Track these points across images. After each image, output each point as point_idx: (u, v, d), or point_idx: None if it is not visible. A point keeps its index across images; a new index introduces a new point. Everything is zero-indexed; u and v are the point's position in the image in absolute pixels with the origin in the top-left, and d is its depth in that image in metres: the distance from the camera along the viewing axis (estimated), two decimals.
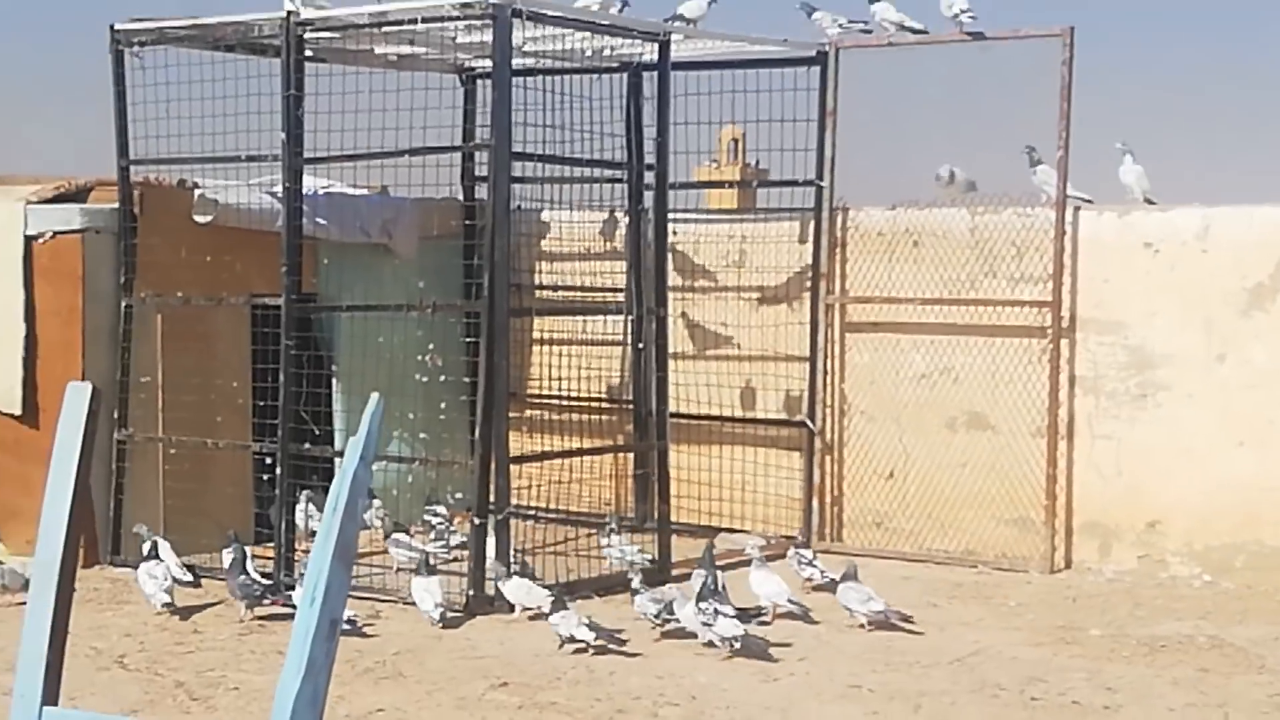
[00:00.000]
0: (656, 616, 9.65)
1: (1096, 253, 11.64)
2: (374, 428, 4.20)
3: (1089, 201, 11.88)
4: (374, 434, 4.19)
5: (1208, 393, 11.25)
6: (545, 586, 10.12)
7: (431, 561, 10.39)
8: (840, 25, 12.46)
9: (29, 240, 11.54)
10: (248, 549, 10.34)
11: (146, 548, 10.43)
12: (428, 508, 12.12)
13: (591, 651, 9.16)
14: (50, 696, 4.21)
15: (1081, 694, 8.43)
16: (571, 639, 9.24)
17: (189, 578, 10.54)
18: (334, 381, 12.30)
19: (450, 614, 9.97)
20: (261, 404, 11.49)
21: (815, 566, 10.77)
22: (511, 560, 10.33)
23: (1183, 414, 11.32)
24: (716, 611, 9.19)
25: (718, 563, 9.98)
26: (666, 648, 9.34)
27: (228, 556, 10.17)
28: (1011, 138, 12.36)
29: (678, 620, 9.51)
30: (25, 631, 4.12)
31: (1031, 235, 11.78)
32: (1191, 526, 11.28)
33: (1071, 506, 11.66)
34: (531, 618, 9.92)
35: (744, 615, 9.44)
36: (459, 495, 11.78)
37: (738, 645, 9.12)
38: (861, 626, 9.81)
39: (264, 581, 10.13)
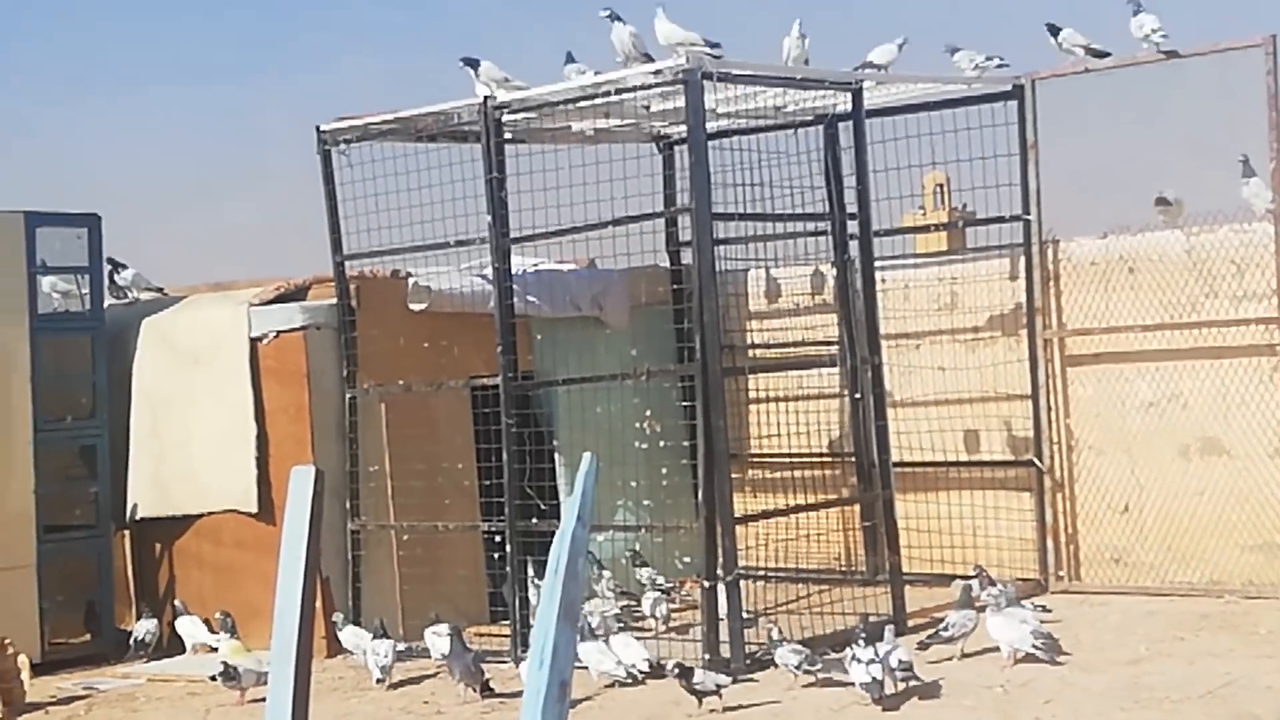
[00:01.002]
0: (798, 667, 9.64)
1: None
2: (589, 487, 4.24)
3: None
4: (589, 493, 4.23)
5: None
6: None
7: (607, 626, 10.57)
8: (977, 65, 12.29)
9: (254, 342, 11.88)
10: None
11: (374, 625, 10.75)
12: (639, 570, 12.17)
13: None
14: None
15: None
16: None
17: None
18: (555, 455, 12.42)
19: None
20: (487, 484, 11.65)
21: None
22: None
23: None
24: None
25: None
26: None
27: (439, 640, 10.36)
28: (1217, 154, 12.07)
29: (821, 670, 9.61)
30: (267, 713, 4.20)
31: (1251, 251, 11.48)
32: None
33: None
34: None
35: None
36: (687, 559, 11.77)
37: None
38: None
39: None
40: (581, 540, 4.22)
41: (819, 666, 9.66)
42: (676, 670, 9.36)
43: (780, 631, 10.01)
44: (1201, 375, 11.69)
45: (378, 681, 10.45)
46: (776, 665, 9.86)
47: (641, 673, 9.97)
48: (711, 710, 9.21)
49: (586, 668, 9.88)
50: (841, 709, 9.10)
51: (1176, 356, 11.79)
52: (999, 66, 12.31)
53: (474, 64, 11.79)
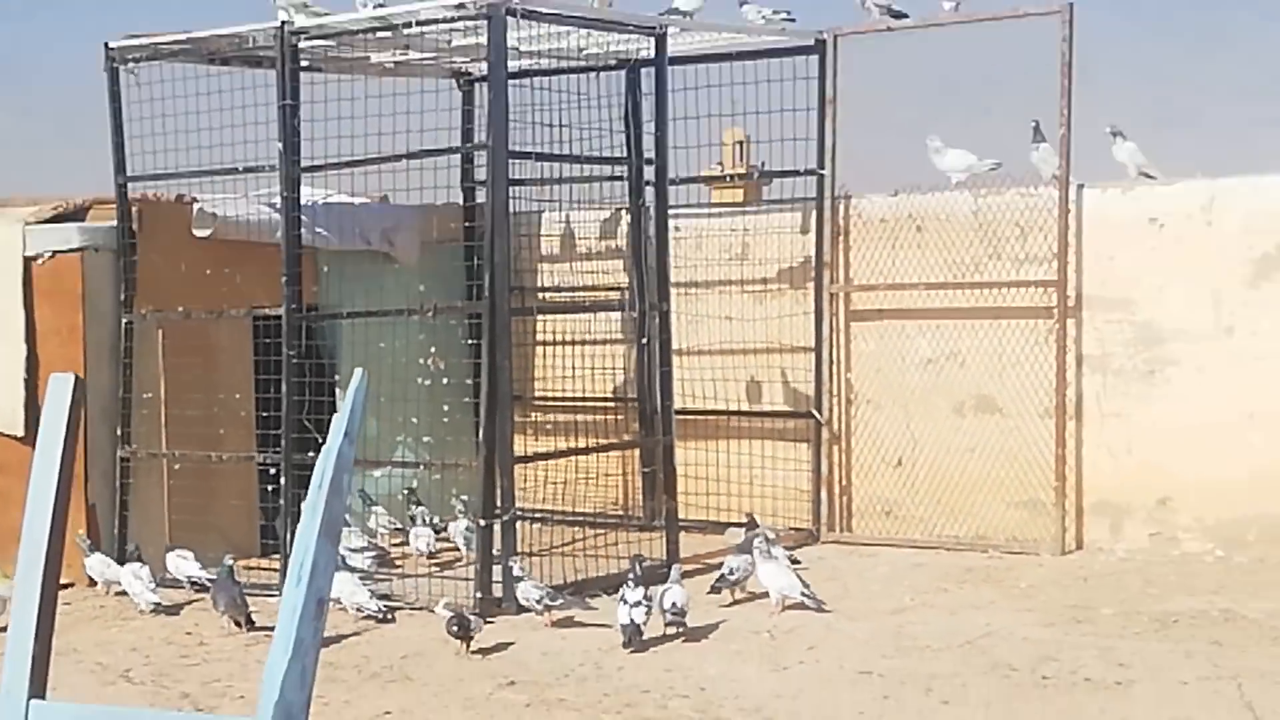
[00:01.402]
0: (539, 602, 9.72)
1: (1101, 230, 11.56)
2: (358, 403, 4.15)
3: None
4: (358, 410, 4.15)
5: (1217, 366, 11.15)
6: (554, 587, 10.11)
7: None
8: (765, 17, 12.36)
9: (28, 261, 11.53)
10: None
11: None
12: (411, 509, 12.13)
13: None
14: (37, 690, 4.16)
15: (1094, 671, 8.33)
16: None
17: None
18: (336, 390, 12.25)
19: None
20: (265, 415, 11.47)
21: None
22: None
23: (1192, 389, 11.22)
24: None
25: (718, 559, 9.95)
26: (677, 644, 9.27)
27: (184, 563, 10.36)
28: (1013, 118, 12.29)
29: (561, 607, 9.71)
30: (11, 625, 4.07)
31: (1035, 215, 11.70)
32: (1203, 502, 11.18)
33: (1082, 487, 11.58)
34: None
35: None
36: (464, 498, 11.72)
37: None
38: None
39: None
40: (347, 457, 4.13)
41: (559, 603, 9.73)
42: (447, 610, 9.31)
43: (522, 568, 10.00)
44: (981, 334, 11.90)
45: (152, 610, 10.27)
46: (519, 602, 9.88)
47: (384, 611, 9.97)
48: (480, 651, 9.18)
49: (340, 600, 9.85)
50: (611, 649, 9.13)
51: (958, 315, 11.99)
52: (785, 20, 12.36)
53: None
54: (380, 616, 9.95)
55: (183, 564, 10.69)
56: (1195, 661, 8.44)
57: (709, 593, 10.12)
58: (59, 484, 4.51)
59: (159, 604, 10.34)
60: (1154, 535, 11.35)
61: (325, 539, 3.99)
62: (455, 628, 9.19)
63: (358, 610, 9.94)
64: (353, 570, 10.51)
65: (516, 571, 9.99)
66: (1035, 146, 11.65)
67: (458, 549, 11.69)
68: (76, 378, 4.49)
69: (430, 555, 11.59)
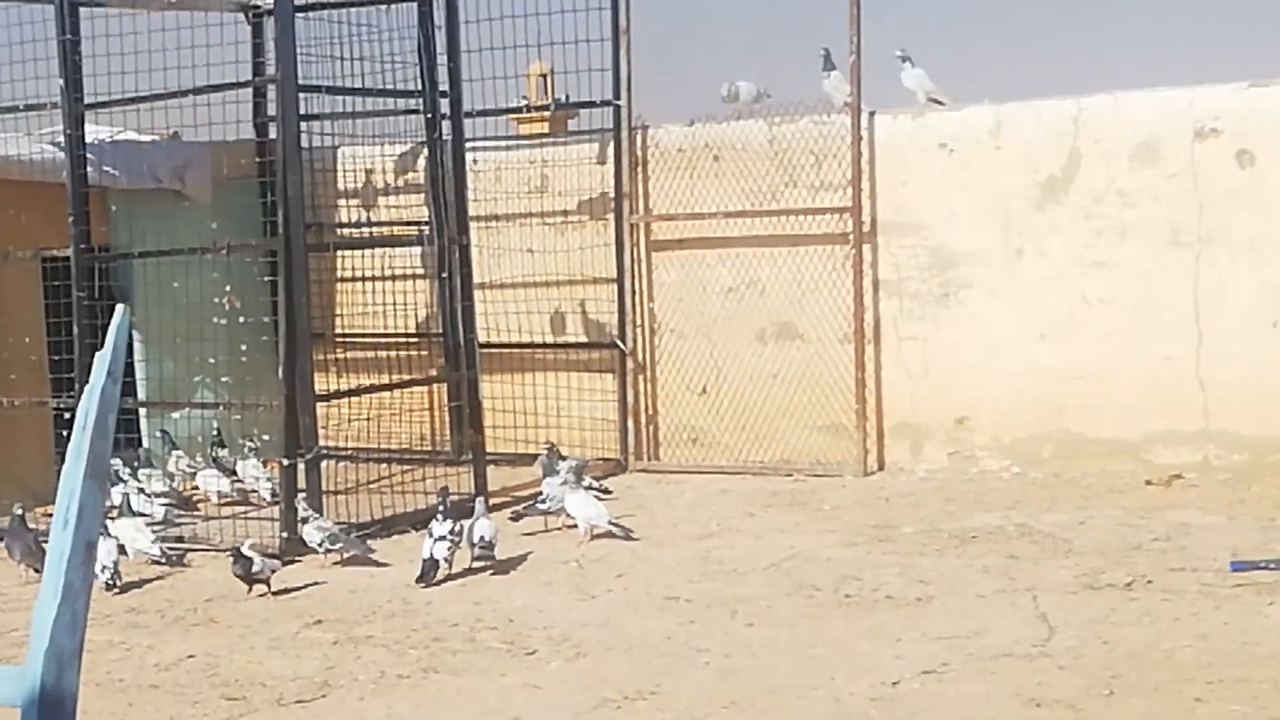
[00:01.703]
0: (320, 545, 9.67)
1: (893, 156, 11.71)
2: (120, 341, 4.04)
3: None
4: (120, 348, 4.04)
5: (1008, 288, 11.40)
6: (361, 524, 10.06)
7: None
8: None
9: None
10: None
11: None
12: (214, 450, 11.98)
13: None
14: None
15: (895, 588, 8.50)
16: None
17: None
18: (133, 331, 12.00)
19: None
20: (57, 359, 11.20)
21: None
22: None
23: (985, 311, 11.46)
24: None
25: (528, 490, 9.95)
26: (485, 577, 9.27)
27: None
28: (805, 46, 12.38)
29: (345, 548, 9.64)
30: None
31: (829, 143, 11.82)
32: (999, 421, 11.45)
33: (882, 409, 11.78)
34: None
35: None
36: (265, 438, 11.56)
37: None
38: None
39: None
40: (111, 396, 4.02)
41: (341, 545, 9.67)
42: (251, 551, 9.19)
43: (307, 508, 9.91)
44: (780, 262, 12.02)
45: None
46: (303, 541, 9.80)
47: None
48: (279, 592, 9.07)
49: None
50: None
51: (757, 244, 12.09)
52: None
53: None
54: (166, 561, 9.77)
55: None
56: (992, 576, 8.65)
57: (511, 519, 10.11)
58: None
59: None
60: (952, 454, 11.60)
61: (91, 481, 3.89)
62: (238, 570, 9.05)
63: (143, 555, 9.76)
64: (138, 515, 10.30)
65: (302, 512, 9.88)
66: (826, 74, 11.75)
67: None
68: None
69: (227, 498, 11.39)
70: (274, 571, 9.14)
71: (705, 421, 12.33)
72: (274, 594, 9.02)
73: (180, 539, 10.22)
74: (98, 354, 3.92)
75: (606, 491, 10.95)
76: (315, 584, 9.28)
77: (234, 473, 11.78)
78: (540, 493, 10.47)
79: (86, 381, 10.40)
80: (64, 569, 3.82)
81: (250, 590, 9.03)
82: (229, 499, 11.42)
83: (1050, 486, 10.93)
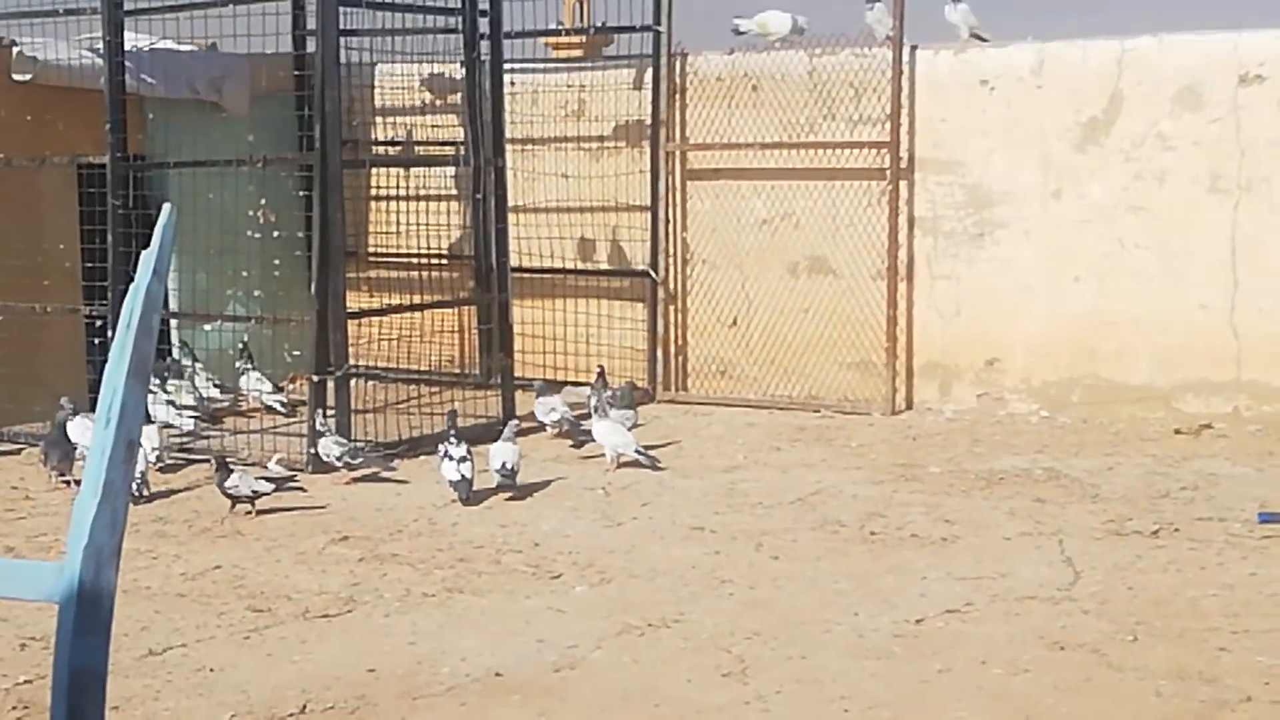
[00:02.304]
0: (339, 459, 9.69)
1: (933, 92, 11.62)
2: (166, 240, 4.03)
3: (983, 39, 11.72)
4: (167, 246, 4.02)
5: (1044, 229, 11.34)
6: (387, 444, 10.11)
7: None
8: None
9: None
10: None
11: None
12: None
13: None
14: None
15: (920, 527, 8.50)
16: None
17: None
18: None
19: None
20: (90, 266, 11.21)
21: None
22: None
23: (1020, 252, 11.40)
24: None
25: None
26: (507, 501, 9.29)
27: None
28: None
29: (364, 464, 9.68)
30: None
31: (869, 76, 11.73)
32: (1029, 363, 11.42)
33: (912, 348, 11.75)
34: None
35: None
36: (296, 353, 11.57)
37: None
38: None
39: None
40: (156, 295, 4.01)
41: (361, 460, 9.70)
42: (279, 466, 9.22)
43: (325, 424, 9.92)
44: (815, 195, 11.96)
45: None
46: (319, 457, 9.82)
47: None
48: (262, 513, 9.02)
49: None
50: (445, 505, 9.13)
51: (792, 176, 12.03)
52: None
53: None
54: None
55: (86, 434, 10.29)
56: (1018, 519, 8.64)
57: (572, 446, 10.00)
58: None
59: None
60: (981, 396, 11.57)
61: (134, 379, 3.88)
62: (217, 481, 9.02)
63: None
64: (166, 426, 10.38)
65: (319, 427, 9.89)
66: (870, 6, 11.63)
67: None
68: None
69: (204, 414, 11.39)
70: (257, 494, 8.98)
71: (734, 354, 12.31)
72: (259, 513, 8.95)
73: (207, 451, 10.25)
74: (144, 252, 3.91)
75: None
76: (343, 500, 9.32)
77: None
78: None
79: (120, 289, 10.51)
80: (105, 466, 3.82)
81: (233, 508, 9.01)
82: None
83: (1079, 431, 10.90)
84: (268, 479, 9.25)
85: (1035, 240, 11.35)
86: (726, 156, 12.24)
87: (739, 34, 12.04)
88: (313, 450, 9.94)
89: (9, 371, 11.17)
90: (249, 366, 11.78)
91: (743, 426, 11.36)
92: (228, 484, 8.96)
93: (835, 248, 11.89)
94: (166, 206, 3.98)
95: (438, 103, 13.05)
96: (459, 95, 12.40)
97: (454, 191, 12.71)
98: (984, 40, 11.66)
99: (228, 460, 9.23)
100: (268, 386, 11.66)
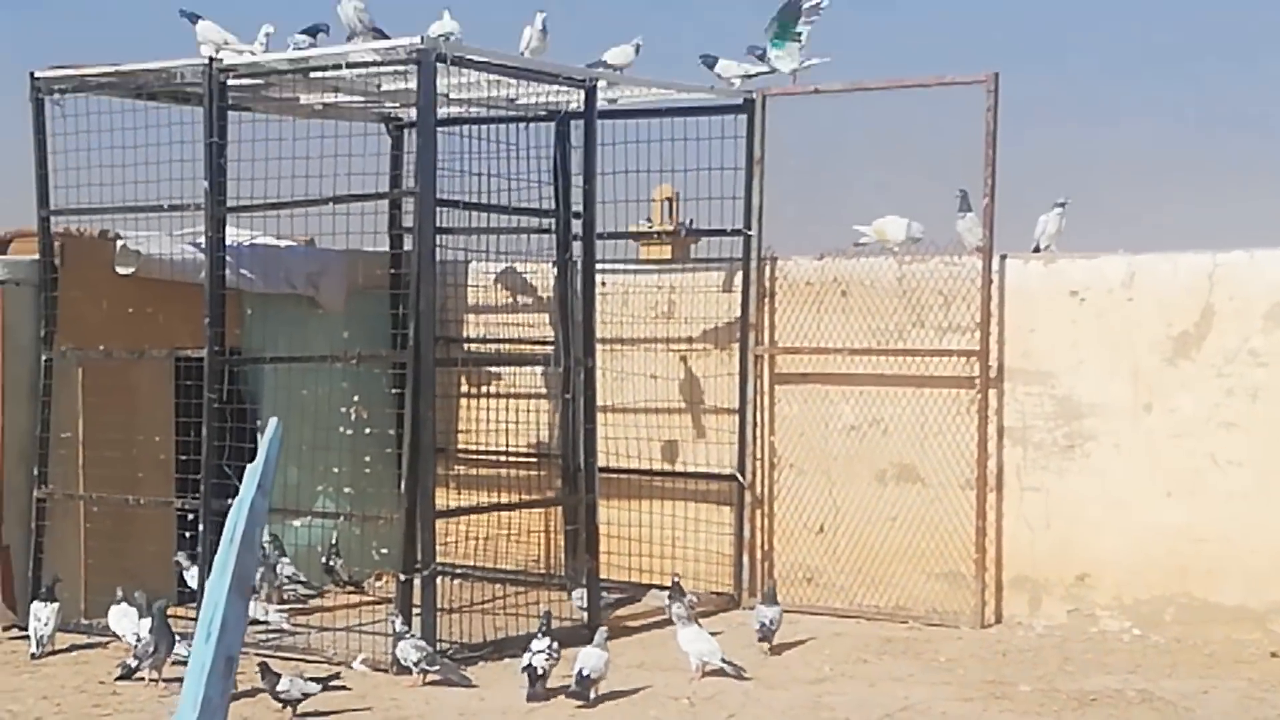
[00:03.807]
0: (416, 664, 9.65)
1: (1023, 301, 11.65)
2: (273, 454, 4.09)
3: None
4: (273, 461, 4.08)
5: (1135, 443, 11.27)
6: (471, 645, 10.10)
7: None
8: (747, 75, 12.42)
9: None
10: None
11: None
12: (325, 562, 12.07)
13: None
14: None
15: None
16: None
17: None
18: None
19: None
20: (185, 459, 11.32)
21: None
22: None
23: (1111, 464, 11.33)
24: None
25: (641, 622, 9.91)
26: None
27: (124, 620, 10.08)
28: (939, 186, 12.37)
29: (440, 671, 9.62)
30: None
31: (958, 284, 11.77)
32: (1121, 579, 11.28)
33: (1001, 560, 11.63)
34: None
35: None
36: (384, 551, 11.59)
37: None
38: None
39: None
40: (261, 510, 4.06)
41: (438, 666, 9.66)
42: (363, 665, 9.20)
43: (404, 625, 9.89)
44: (903, 402, 11.95)
45: (33, 655, 10.17)
46: (398, 660, 9.78)
47: None
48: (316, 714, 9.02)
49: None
50: (530, 711, 9.09)
51: (881, 382, 12.03)
52: (765, 74, 12.32)
53: (194, 18, 11.45)
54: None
55: (124, 622, 10.36)
56: None
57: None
58: None
59: (45, 639, 10.29)
60: (1072, 611, 11.43)
61: (236, 594, 3.90)
62: (265, 685, 9.00)
63: None
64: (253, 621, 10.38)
65: (399, 628, 9.88)
66: (962, 215, 11.73)
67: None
68: None
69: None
70: (305, 695, 8.96)
71: (821, 561, 12.23)
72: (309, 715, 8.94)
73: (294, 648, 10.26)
74: (249, 466, 3.94)
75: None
76: (425, 704, 9.27)
77: (349, 582, 11.85)
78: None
79: (212, 482, 10.58)
80: (204, 682, 3.82)
81: (283, 709, 8.98)
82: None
83: (1172, 651, 10.73)
84: (314, 679, 9.20)
85: (1126, 453, 11.28)
86: (815, 361, 12.27)
87: (860, 244, 12.09)
88: (393, 652, 9.91)
89: (99, 563, 11.26)
90: (280, 556, 11.79)
91: (829, 636, 11.26)
92: (279, 688, 8.96)
93: (924, 456, 11.85)
94: (273, 421, 4.02)
95: (529, 300, 13.18)
96: (550, 294, 12.57)
97: (543, 390, 12.79)
98: (1037, 250, 11.74)
99: (269, 664, 9.19)
100: (297, 574, 11.74)
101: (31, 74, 11.66)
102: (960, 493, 11.67)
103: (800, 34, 12.26)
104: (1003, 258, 11.73)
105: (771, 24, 12.35)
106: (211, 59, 10.99)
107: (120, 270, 11.66)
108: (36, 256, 11.50)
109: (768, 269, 12.52)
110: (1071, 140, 23.52)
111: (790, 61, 12.31)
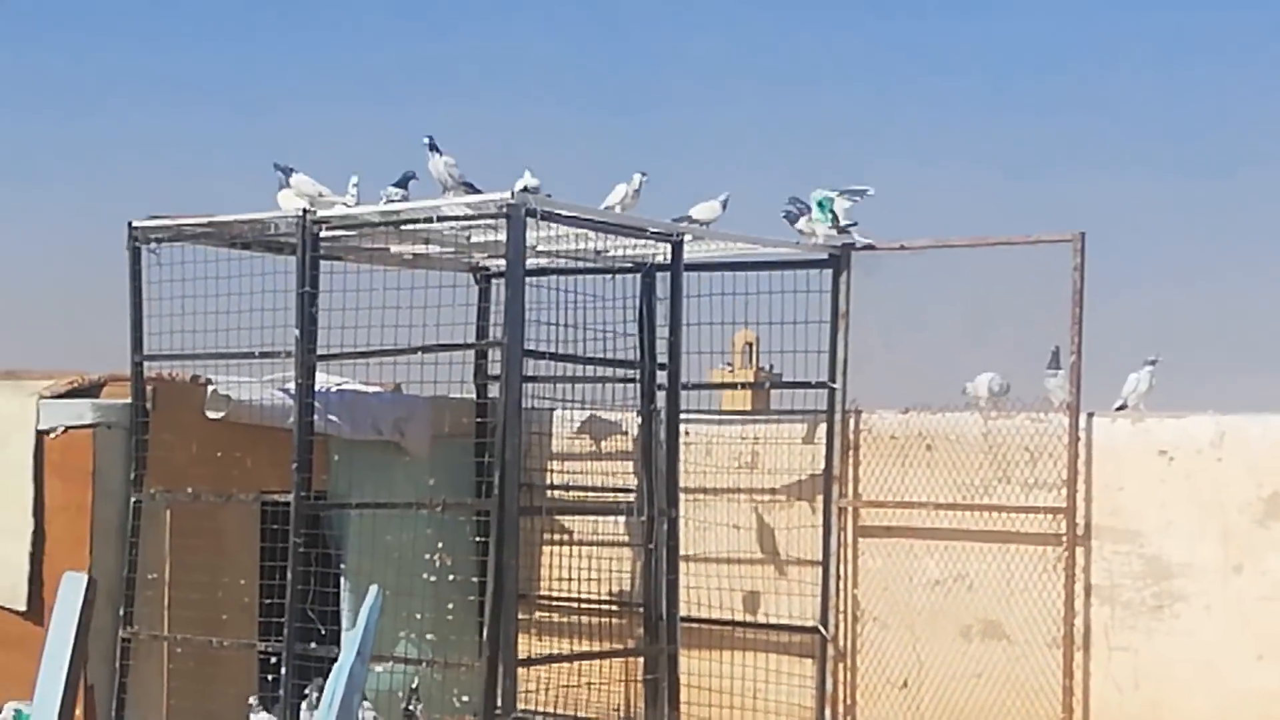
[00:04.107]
0: None
1: (1111, 459, 11.56)
2: (372, 622, 4.13)
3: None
4: (372, 628, 4.12)
5: (1225, 604, 11.10)
6: None
7: None
8: (829, 230, 12.50)
9: (40, 435, 11.54)
10: None
11: None
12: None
13: None
14: None
15: None
16: None
17: None
18: (342, 580, 12.17)
19: None
20: (268, 602, 11.38)
21: None
22: None
23: (1201, 626, 11.16)
24: None
25: None
26: None
27: None
28: (1024, 343, 12.37)
29: None
30: None
31: (1045, 441, 11.71)
32: None
33: None
34: None
35: None
36: (465, 698, 11.57)
37: None
38: None
39: None
40: (359, 676, 4.10)
41: None
42: None
43: None
44: (989, 558, 11.86)
45: None
46: None
47: None
48: None
49: None
50: None
51: (966, 537, 11.95)
52: (850, 226, 12.42)
53: (288, 171, 11.70)
54: None
55: None
56: None
57: None
58: (66, 683, 4.52)
59: None
60: None
61: None
62: None
63: None
64: None
65: None
66: (1052, 372, 11.71)
67: None
68: (90, 578, 4.49)
69: None
70: None
71: (904, 717, 12.05)
72: None
73: None
74: (347, 633, 3.99)
75: None
76: None
77: None
78: None
79: (295, 626, 10.66)
80: None
81: None
82: None
83: None
84: None
85: (1216, 615, 11.11)
86: (899, 514, 12.22)
87: (965, 393, 12.12)
88: None
89: (181, 704, 11.30)
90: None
91: None
92: None
93: (1009, 613, 11.72)
94: (373, 589, 4.07)
95: (612, 449, 13.23)
96: (633, 443, 12.62)
97: (626, 538, 12.78)
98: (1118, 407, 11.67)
99: None
100: None
101: (129, 223, 11.93)
102: (1047, 651, 11.52)
103: (835, 213, 12.37)
104: (1089, 415, 11.68)
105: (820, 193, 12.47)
106: (305, 211, 11.22)
107: (210, 415, 11.82)
108: (128, 400, 11.68)
109: (852, 421, 12.52)
110: (1163, 299, 23.54)
111: (822, 228, 12.39)
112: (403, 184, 11.57)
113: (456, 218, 11.21)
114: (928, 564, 12.11)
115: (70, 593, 3.87)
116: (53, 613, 4.15)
